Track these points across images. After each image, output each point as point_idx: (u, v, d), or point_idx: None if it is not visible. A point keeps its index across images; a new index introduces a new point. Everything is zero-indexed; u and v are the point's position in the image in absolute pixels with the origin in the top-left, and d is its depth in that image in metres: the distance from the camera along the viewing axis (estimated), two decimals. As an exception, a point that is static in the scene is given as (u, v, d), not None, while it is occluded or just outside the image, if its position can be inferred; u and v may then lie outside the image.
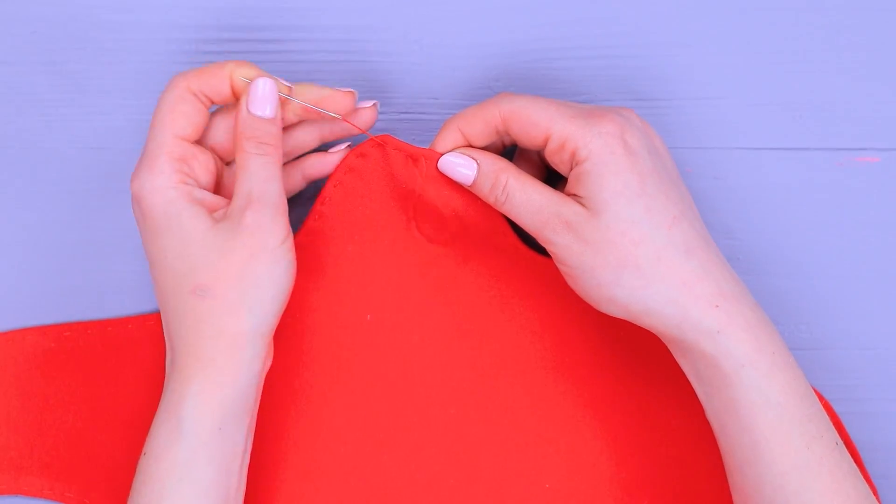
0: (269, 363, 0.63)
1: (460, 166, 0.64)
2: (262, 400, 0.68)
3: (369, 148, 0.66)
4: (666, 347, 0.66)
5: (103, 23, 0.70)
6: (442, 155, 0.64)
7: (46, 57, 0.70)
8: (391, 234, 0.68)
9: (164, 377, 0.66)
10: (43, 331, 0.69)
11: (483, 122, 0.63)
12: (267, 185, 0.61)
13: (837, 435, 0.61)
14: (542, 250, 0.67)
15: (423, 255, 0.68)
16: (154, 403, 0.68)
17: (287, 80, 0.63)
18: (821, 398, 0.68)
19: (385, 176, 0.66)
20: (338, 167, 0.67)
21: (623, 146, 0.60)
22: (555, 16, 0.70)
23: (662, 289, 0.60)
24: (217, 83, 0.61)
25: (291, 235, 0.62)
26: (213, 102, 0.62)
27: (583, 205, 0.60)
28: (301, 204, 0.69)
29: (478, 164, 0.63)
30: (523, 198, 0.62)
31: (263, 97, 0.61)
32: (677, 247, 0.60)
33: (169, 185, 0.60)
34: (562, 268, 0.62)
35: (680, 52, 0.70)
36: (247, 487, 0.67)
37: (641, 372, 0.68)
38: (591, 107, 0.62)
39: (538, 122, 0.61)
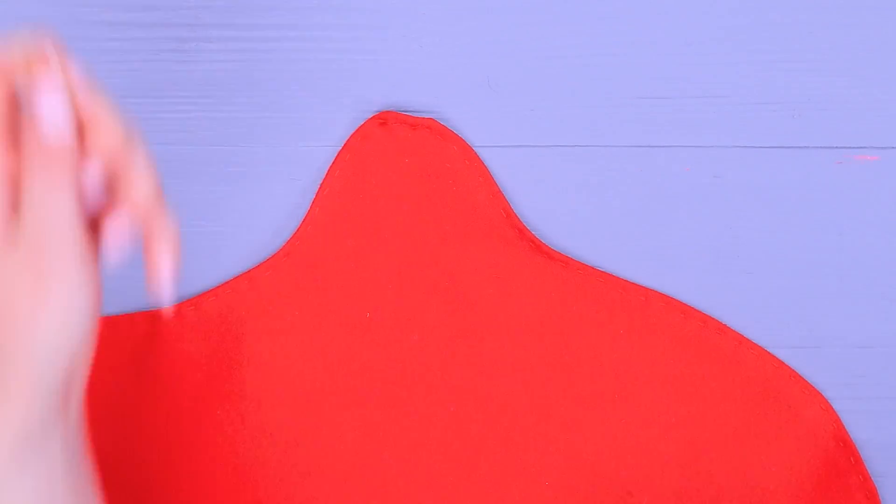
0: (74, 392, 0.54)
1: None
2: (263, 398, 0.68)
3: (370, 128, 0.67)
4: (667, 346, 0.66)
5: (103, 22, 0.70)
6: None
7: (47, 56, 0.70)
8: (391, 229, 0.68)
9: (162, 373, 0.66)
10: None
11: None
12: (52, 216, 0.50)
13: None
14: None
15: (424, 251, 0.68)
16: (152, 400, 0.68)
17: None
18: (820, 396, 0.68)
19: (386, 161, 0.67)
20: (341, 150, 0.68)
21: None
22: (554, 15, 0.70)
23: None
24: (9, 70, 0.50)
25: (84, 266, 0.51)
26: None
27: None
28: (302, 195, 0.70)
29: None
30: None
31: (55, 111, 0.50)
32: None
33: None
34: None
35: (679, 51, 0.70)
36: (247, 485, 0.67)
37: (642, 370, 0.68)
38: None
39: None
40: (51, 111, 0.49)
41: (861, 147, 0.70)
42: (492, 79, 0.70)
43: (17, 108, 0.50)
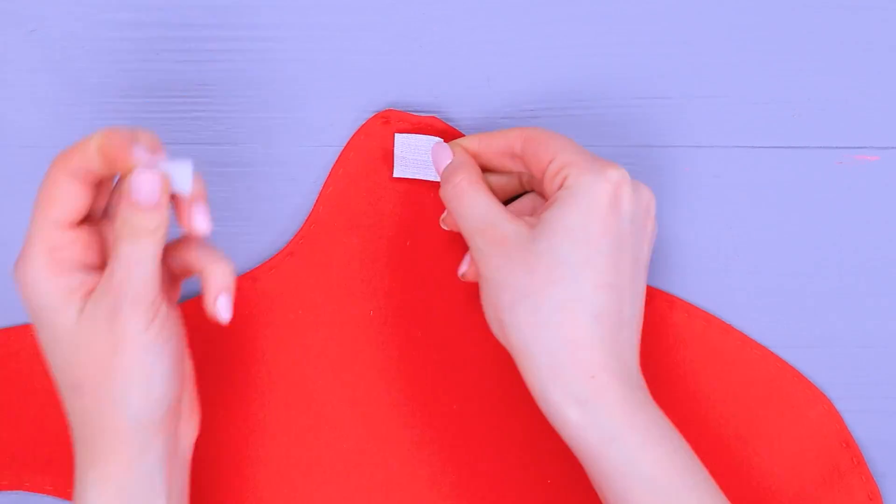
0: (185, 439, 0.61)
1: (440, 153, 0.65)
2: (264, 397, 0.68)
3: (374, 126, 0.67)
4: (671, 346, 0.66)
5: (103, 22, 0.70)
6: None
7: (46, 56, 0.70)
8: (394, 228, 0.68)
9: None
10: (45, 327, 0.69)
11: (503, 139, 0.63)
12: (131, 270, 0.56)
13: (725, 499, 0.59)
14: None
15: (427, 249, 0.68)
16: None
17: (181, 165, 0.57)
18: (823, 396, 0.68)
19: (389, 160, 0.68)
20: (344, 149, 0.68)
21: (610, 197, 0.59)
22: (553, 14, 0.70)
23: (549, 337, 0.58)
24: (88, 159, 0.57)
25: (161, 318, 0.57)
26: (100, 176, 0.57)
27: (530, 225, 0.60)
28: (303, 195, 0.70)
29: (453, 155, 0.64)
30: (470, 201, 0.61)
31: (145, 188, 0.56)
32: (589, 308, 0.58)
33: (41, 276, 0.57)
34: (479, 282, 0.62)
35: (679, 51, 0.70)
36: (249, 484, 0.67)
37: (645, 369, 0.68)
38: (609, 161, 0.61)
39: (549, 146, 0.61)
40: (142, 186, 0.56)
41: (861, 147, 0.70)
42: (492, 79, 0.70)
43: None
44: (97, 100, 0.70)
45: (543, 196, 0.65)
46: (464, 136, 0.68)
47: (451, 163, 0.64)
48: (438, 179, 0.65)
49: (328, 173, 0.69)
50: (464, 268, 0.65)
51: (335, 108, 0.70)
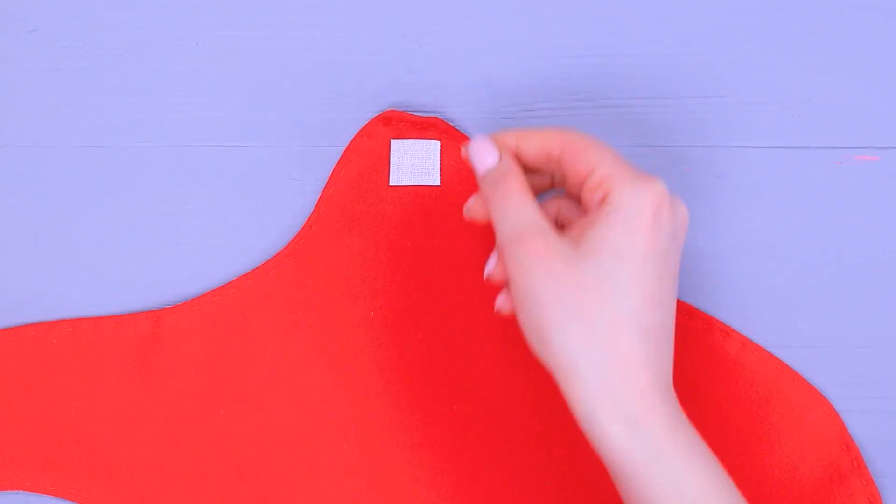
0: None
1: (486, 151, 0.62)
2: (266, 398, 0.68)
3: (375, 126, 0.67)
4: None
5: (103, 21, 0.70)
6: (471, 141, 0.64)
7: (46, 56, 0.70)
8: (395, 229, 0.68)
9: (165, 373, 0.66)
10: (46, 327, 0.69)
11: (540, 140, 0.62)
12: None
13: None
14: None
15: (428, 250, 0.68)
16: (155, 400, 0.68)
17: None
18: (823, 399, 0.68)
19: (388, 161, 0.68)
20: (346, 149, 0.68)
21: (653, 214, 0.58)
22: (554, 14, 0.70)
23: (600, 355, 0.57)
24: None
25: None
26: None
27: (574, 241, 0.59)
28: (304, 196, 0.70)
29: (500, 156, 0.62)
30: (519, 207, 0.60)
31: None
32: (638, 325, 0.58)
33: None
34: (514, 294, 0.60)
35: (679, 51, 0.70)
36: (250, 484, 0.67)
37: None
38: (649, 174, 0.60)
39: (590, 155, 0.60)
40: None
41: (861, 147, 0.70)
42: (492, 79, 0.70)
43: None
44: (97, 100, 0.70)
45: (577, 200, 0.64)
46: (465, 136, 0.68)
47: (499, 166, 0.61)
48: (437, 183, 0.65)
49: (329, 174, 0.69)
50: (490, 268, 0.63)
51: (335, 108, 0.70)
